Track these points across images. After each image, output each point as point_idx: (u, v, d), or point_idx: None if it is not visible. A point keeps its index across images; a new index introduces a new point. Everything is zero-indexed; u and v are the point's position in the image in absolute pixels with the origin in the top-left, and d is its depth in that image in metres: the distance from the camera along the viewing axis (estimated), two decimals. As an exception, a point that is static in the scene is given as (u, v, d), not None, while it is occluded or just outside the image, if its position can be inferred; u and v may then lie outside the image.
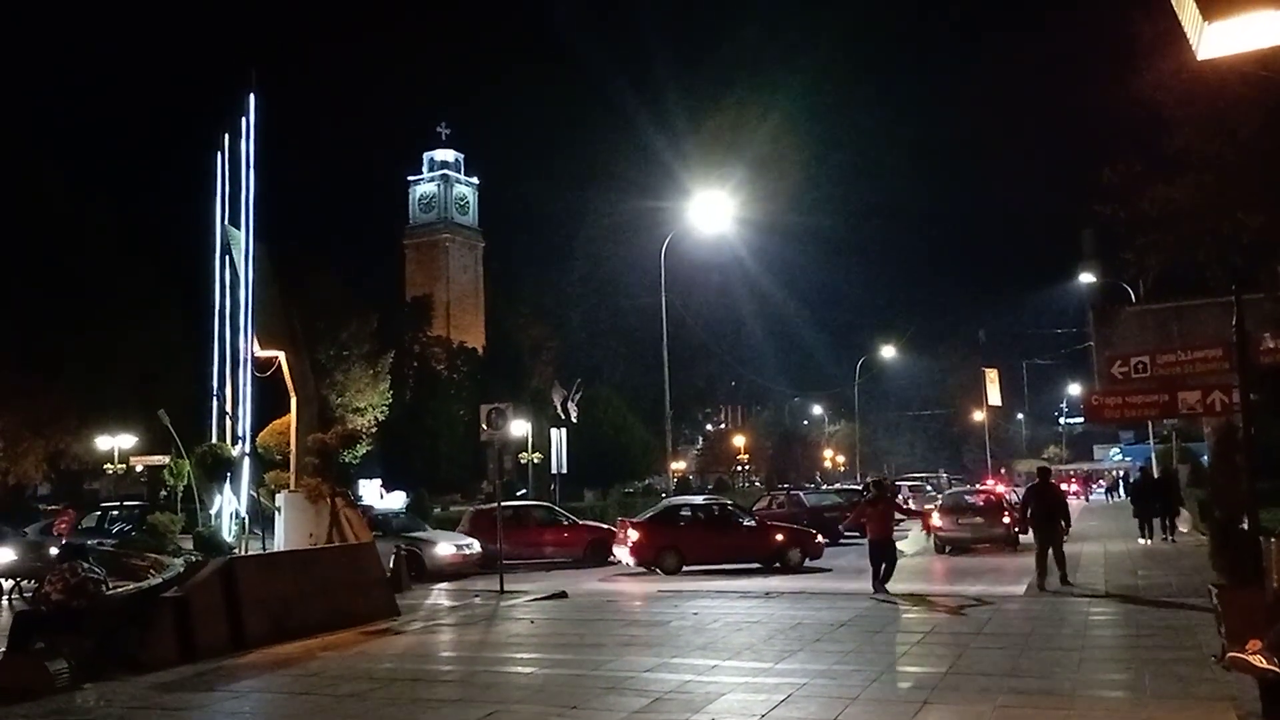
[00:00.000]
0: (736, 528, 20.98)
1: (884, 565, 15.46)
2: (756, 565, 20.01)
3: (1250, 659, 6.31)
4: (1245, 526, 9.13)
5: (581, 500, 39.79)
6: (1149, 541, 23.08)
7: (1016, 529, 20.45)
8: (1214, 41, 4.40)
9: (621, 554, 20.28)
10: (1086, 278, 35.28)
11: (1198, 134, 15.11)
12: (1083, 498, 57.38)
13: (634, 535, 20.15)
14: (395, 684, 9.28)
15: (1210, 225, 15.79)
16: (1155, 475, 27.62)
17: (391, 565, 16.41)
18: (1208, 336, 13.42)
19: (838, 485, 47.29)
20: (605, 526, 24.98)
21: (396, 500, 43.63)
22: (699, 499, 25.72)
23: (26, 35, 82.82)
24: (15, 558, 18.45)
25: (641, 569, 20.00)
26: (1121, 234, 16.74)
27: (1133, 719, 7.26)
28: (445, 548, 20.76)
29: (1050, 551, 15.35)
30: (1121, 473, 60.03)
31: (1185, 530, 24.21)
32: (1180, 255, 16.74)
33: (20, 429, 31.14)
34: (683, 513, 21.54)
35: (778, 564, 19.96)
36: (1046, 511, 15.62)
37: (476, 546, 21.08)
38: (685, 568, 19.66)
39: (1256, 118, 14.11)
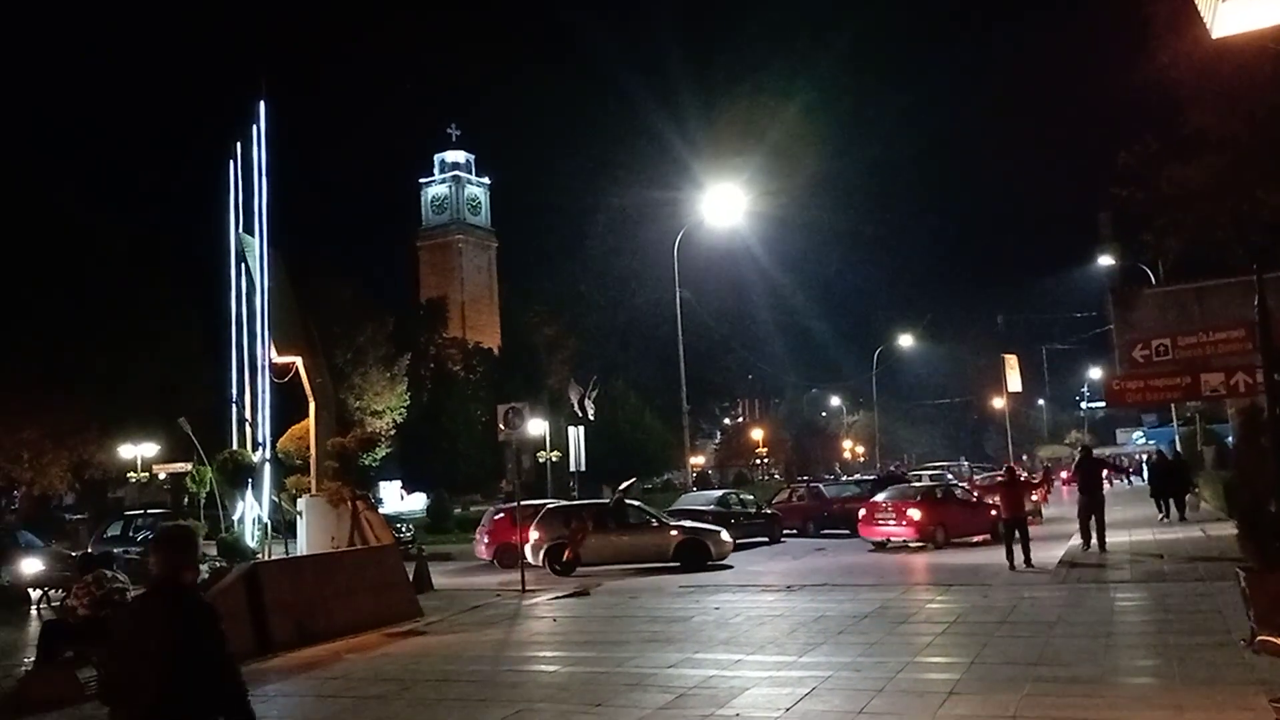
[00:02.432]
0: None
1: (1021, 544, 16.60)
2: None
3: (1281, 643, 6.23)
4: (1273, 509, 9.02)
5: (600, 497, 39.80)
6: (1167, 519, 24.17)
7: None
8: (1229, 19, 4.33)
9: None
10: (1105, 261, 34.96)
11: (1214, 113, 14.96)
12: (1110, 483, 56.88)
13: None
14: (420, 685, 9.31)
15: (1229, 204, 15.64)
16: (1169, 458, 28.66)
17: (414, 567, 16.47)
18: (1229, 317, 13.27)
19: (857, 476, 47.12)
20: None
21: (416, 502, 43.86)
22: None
23: (37, 49, 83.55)
24: (43, 568, 18.63)
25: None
26: (1140, 216, 16.62)
27: (1162, 705, 7.18)
28: (727, 536, 20.86)
29: (1093, 518, 17.67)
30: (1143, 456, 59.55)
31: (1195, 510, 25.42)
32: (1199, 235, 16.59)
33: (44, 440, 31.42)
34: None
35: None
36: (1089, 485, 18.01)
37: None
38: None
39: (1273, 95, 13.94)
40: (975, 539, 22.56)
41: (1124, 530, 20.98)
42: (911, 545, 22.24)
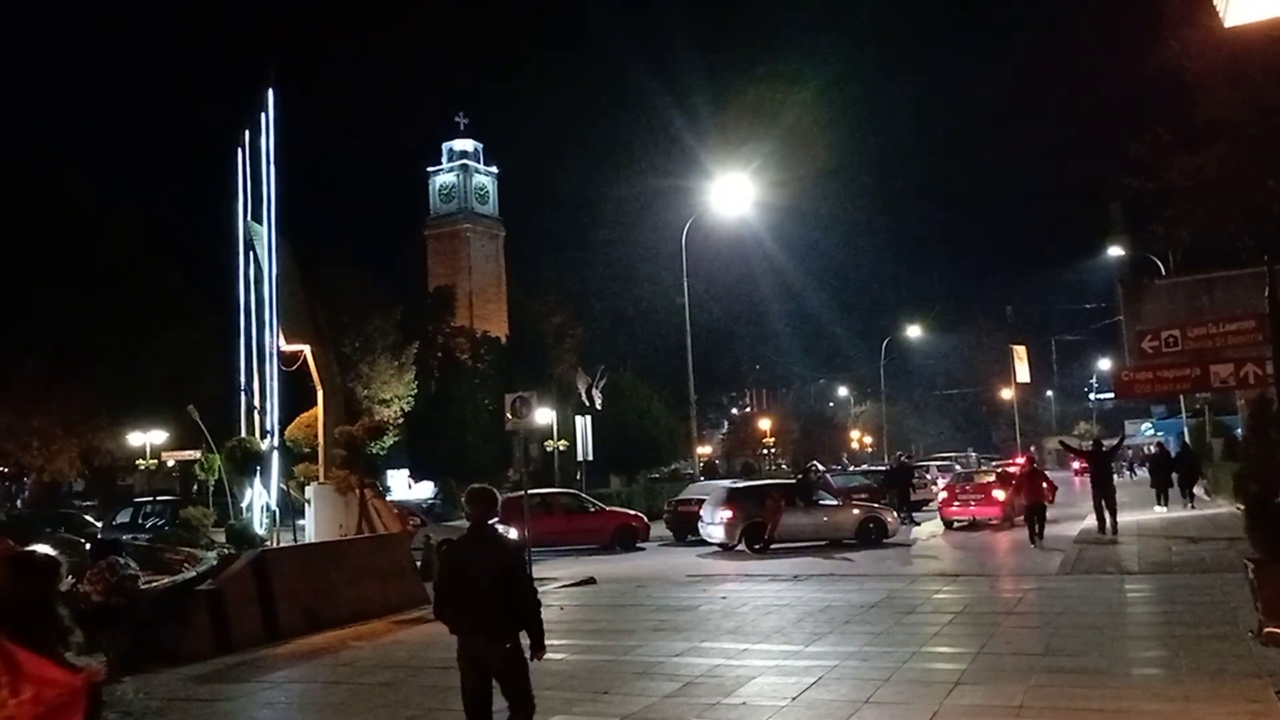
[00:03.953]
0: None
1: (1039, 525, 18.57)
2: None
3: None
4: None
5: (608, 487, 39.85)
6: (1165, 509, 24.98)
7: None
8: (1241, 8, 4.29)
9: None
10: (1115, 251, 34.85)
11: (1226, 103, 14.85)
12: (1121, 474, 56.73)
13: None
14: (427, 671, 9.35)
15: (1240, 195, 15.54)
16: (1170, 451, 30.37)
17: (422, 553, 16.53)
18: (1239, 309, 13.21)
19: (865, 466, 47.06)
20: (632, 513, 25.06)
21: (425, 490, 43.96)
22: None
23: (48, 39, 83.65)
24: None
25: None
26: (1150, 206, 16.54)
27: (1169, 697, 7.18)
28: (894, 516, 21.96)
29: (1104, 503, 19.08)
30: (1151, 447, 59.41)
31: (1204, 497, 26.74)
32: (1210, 226, 16.50)
33: (54, 428, 31.59)
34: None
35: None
36: (1100, 474, 19.47)
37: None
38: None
39: (1286, 84, 13.84)
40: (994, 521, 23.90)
41: (1131, 518, 21.57)
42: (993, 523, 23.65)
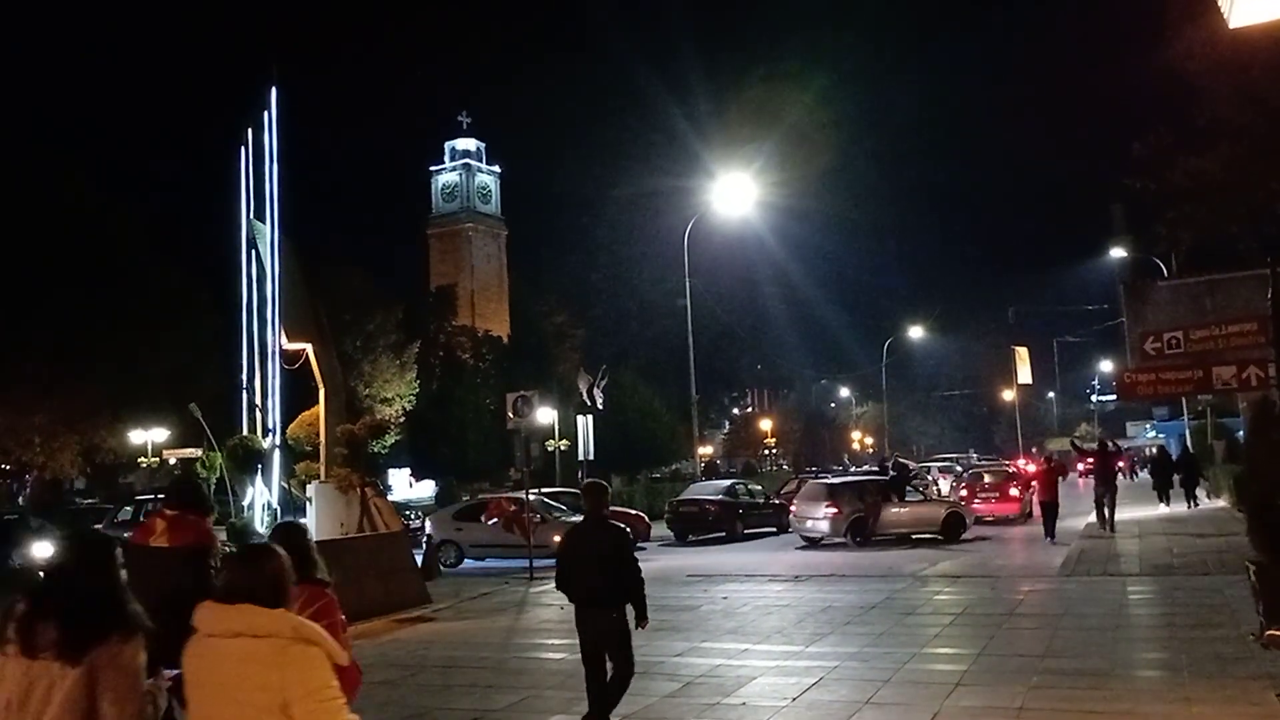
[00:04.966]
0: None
1: (1053, 520, 19.69)
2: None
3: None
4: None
5: (609, 486, 39.76)
6: (1168, 508, 25.82)
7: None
8: (1246, 9, 4.28)
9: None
10: (1117, 253, 34.89)
11: (1229, 104, 14.84)
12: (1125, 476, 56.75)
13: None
14: (427, 670, 9.36)
15: (1243, 196, 15.52)
16: (1170, 454, 31.42)
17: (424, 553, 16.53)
18: (1242, 310, 13.17)
19: (865, 467, 47.03)
20: (634, 512, 25.01)
21: (425, 489, 43.96)
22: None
23: (50, 34, 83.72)
24: (54, 551, 18.75)
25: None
26: (1152, 207, 16.53)
27: (1170, 699, 7.17)
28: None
29: (1106, 500, 20.15)
30: (1152, 450, 59.43)
31: (1206, 498, 27.59)
32: (1212, 227, 16.48)
33: (55, 425, 31.58)
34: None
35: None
36: (1104, 473, 20.56)
37: None
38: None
39: (1290, 86, 13.82)
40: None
41: (1133, 517, 22.37)
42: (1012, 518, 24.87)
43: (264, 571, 3.01)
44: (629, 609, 6.59)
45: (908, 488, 23.04)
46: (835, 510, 21.05)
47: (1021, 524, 24.37)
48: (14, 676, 3.04)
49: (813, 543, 21.47)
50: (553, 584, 16.53)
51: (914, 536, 21.18)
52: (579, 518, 7.70)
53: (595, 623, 6.53)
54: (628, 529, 7.43)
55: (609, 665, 6.60)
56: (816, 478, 33.71)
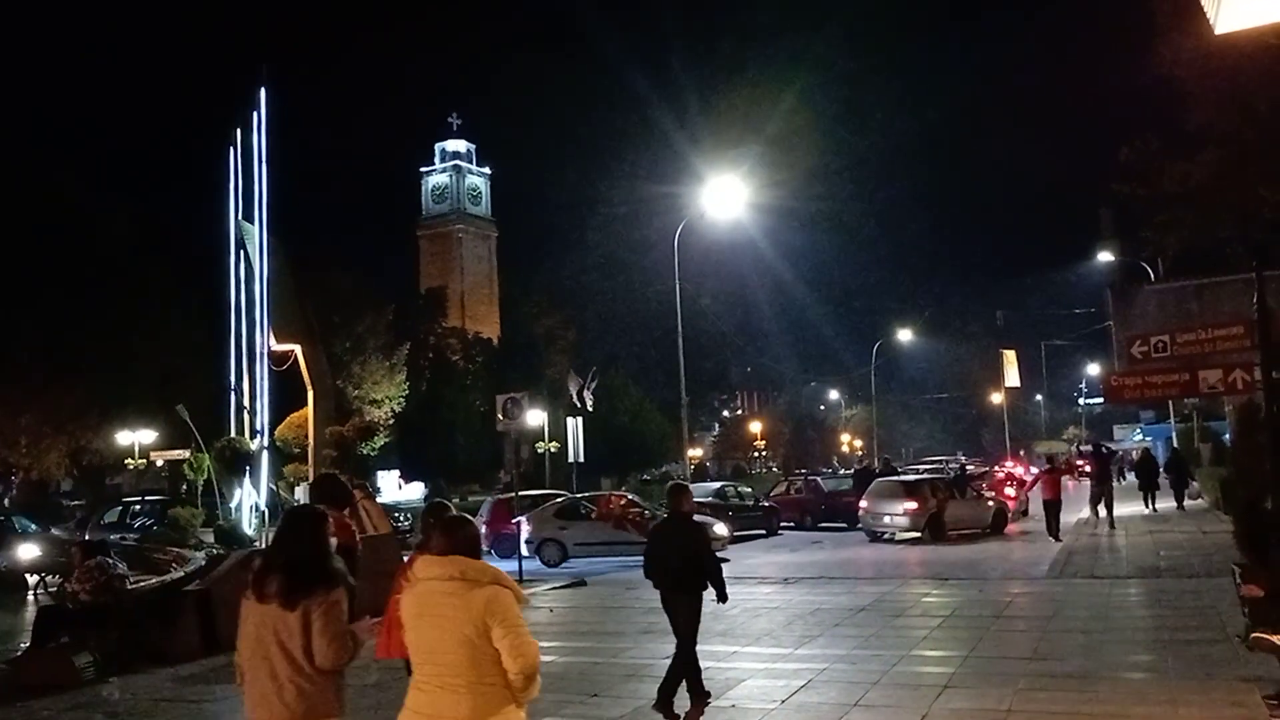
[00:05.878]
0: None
1: (1057, 520, 20.74)
2: None
3: (1275, 639, 6.25)
4: (1270, 506, 9.03)
5: (599, 489, 39.77)
6: (1152, 509, 26.42)
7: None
8: (1232, 15, 4.30)
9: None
10: (1105, 257, 35.00)
11: (1216, 109, 14.92)
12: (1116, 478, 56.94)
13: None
14: (416, 674, 9.33)
15: (1230, 201, 15.62)
16: (1155, 456, 32.47)
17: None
18: (1229, 314, 13.28)
19: (854, 470, 47.08)
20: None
21: (414, 491, 43.84)
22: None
23: (38, 34, 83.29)
24: (40, 553, 18.63)
25: None
26: (1141, 212, 16.63)
27: (1156, 701, 7.21)
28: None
29: (1103, 499, 22.02)
30: (1136, 453, 59.79)
31: (1194, 501, 27.92)
32: (1200, 232, 16.58)
33: (42, 426, 31.37)
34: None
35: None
36: (1100, 474, 22.78)
37: None
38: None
39: (1276, 91, 13.91)
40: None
41: (1118, 515, 22.72)
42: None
43: (467, 534, 3.97)
44: (706, 594, 7.49)
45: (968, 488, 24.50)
46: (916, 506, 21.87)
47: (1019, 519, 25.71)
48: (253, 616, 4.10)
49: (877, 538, 22.35)
50: (543, 587, 16.51)
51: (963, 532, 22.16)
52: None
53: (674, 604, 7.48)
54: (704, 524, 8.76)
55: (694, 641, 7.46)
56: (807, 480, 33.87)
